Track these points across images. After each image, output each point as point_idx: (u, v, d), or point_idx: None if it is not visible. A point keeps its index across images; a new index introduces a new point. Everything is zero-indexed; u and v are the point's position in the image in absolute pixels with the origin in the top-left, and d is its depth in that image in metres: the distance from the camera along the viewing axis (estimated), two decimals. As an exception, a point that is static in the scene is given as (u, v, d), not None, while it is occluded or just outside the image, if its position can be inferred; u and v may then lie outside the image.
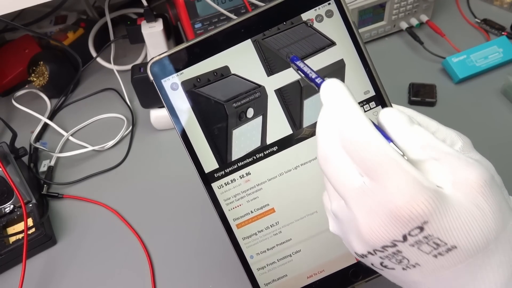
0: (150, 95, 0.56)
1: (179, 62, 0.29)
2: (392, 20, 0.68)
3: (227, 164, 0.31)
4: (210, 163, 0.31)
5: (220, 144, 0.31)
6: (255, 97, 0.30)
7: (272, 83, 0.30)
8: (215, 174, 0.31)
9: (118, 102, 0.66)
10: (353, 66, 0.30)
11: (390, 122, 0.22)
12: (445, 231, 0.19)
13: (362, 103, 0.31)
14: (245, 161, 0.31)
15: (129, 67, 0.67)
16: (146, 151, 0.59)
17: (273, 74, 0.30)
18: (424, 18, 0.68)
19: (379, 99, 0.30)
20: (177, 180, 0.55)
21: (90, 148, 0.59)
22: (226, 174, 0.31)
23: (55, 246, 0.51)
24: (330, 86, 0.22)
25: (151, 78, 0.29)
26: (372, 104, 0.31)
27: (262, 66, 0.30)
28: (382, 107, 0.30)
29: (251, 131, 0.31)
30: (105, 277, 0.47)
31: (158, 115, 0.59)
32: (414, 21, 0.68)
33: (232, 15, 0.59)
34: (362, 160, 0.20)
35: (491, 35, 0.68)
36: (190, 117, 0.30)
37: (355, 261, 0.32)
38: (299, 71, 0.27)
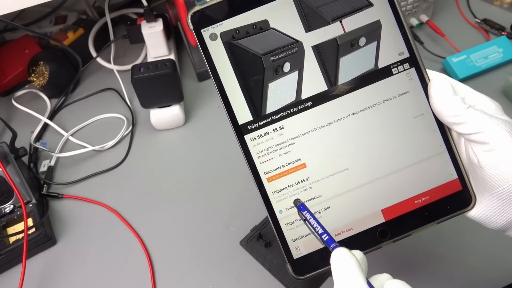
0: (150, 95, 0.56)
1: (220, 13, 0.30)
2: (392, 20, 0.68)
3: (261, 116, 0.31)
4: (244, 115, 0.31)
5: (255, 96, 0.31)
6: (292, 52, 0.31)
7: (310, 39, 0.31)
8: (248, 126, 0.31)
9: (118, 102, 0.66)
10: (389, 28, 0.31)
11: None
12: None
13: (396, 64, 0.31)
14: (279, 115, 0.31)
15: (129, 67, 0.67)
16: (146, 151, 0.59)
17: (311, 31, 0.31)
18: (424, 18, 0.68)
19: (413, 61, 0.31)
20: (177, 180, 0.55)
21: (90, 148, 0.59)
22: (260, 127, 0.31)
23: (55, 246, 0.50)
24: (339, 258, 0.23)
25: (191, 27, 0.30)
26: (406, 65, 0.32)
27: (300, 22, 0.31)
28: (416, 69, 0.31)
29: (287, 85, 0.31)
30: (105, 277, 0.47)
31: (158, 115, 0.59)
32: (414, 21, 0.68)
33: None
34: None
35: (491, 35, 0.68)
36: (227, 68, 0.31)
37: (384, 221, 0.32)
38: (306, 222, 0.28)
